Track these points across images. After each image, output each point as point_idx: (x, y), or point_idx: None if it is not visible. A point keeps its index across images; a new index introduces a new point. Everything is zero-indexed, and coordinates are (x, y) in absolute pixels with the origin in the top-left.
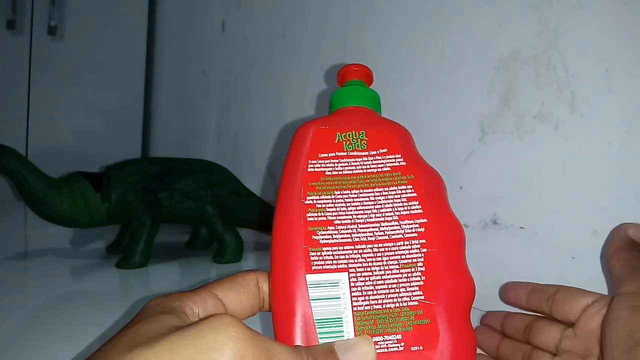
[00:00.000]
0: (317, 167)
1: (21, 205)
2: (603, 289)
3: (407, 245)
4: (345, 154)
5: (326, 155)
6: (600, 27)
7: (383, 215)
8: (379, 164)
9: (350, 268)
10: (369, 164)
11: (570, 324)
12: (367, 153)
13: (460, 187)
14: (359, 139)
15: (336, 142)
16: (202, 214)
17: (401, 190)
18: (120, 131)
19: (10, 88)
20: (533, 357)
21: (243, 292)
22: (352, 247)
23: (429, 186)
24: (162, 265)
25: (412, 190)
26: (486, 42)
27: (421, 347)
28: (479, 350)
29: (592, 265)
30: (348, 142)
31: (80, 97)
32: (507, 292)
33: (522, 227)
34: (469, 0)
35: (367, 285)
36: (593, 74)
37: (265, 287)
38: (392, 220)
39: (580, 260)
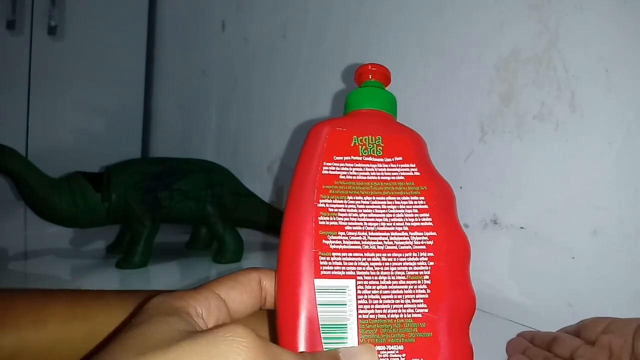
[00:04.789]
0: (331, 170)
1: (21, 205)
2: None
3: (415, 257)
4: (361, 158)
5: (341, 158)
6: (600, 27)
7: (393, 224)
8: (393, 172)
9: (358, 275)
10: (383, 172)
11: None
12: (382, 160)
13: (460, 187)
14: (375, 145)
15: (352, 145)
16: (202, 214)
17: (413, 201)
18: (120, 131)
19: (10, 88)
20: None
21: (245, 290)
22: (362, 254)
23: (441, 199)
24: (162, 265)
25: (424, 202)
26: (486, 42)
27: None
28: None
29: (592, 265)
30: (364, 147)
31: (80, 97)
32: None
33: (522, 227)
34: (469, 0)
35: (374, 294)
36: (593, 74)
37: (267, 284)
38: (402, 230)
39: (580, 260)
